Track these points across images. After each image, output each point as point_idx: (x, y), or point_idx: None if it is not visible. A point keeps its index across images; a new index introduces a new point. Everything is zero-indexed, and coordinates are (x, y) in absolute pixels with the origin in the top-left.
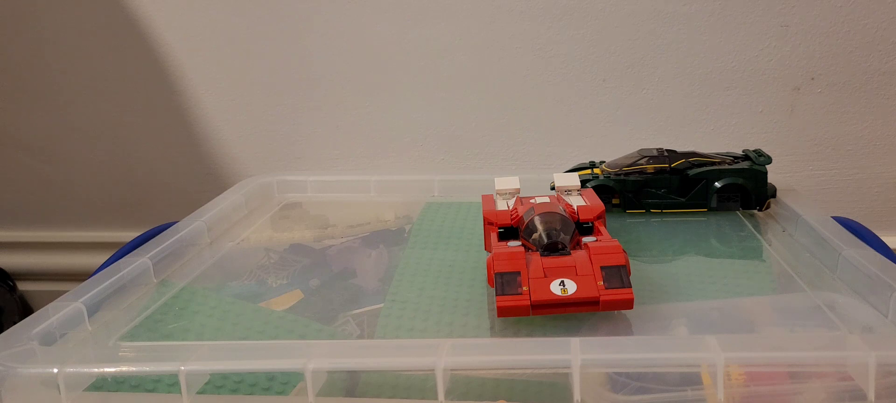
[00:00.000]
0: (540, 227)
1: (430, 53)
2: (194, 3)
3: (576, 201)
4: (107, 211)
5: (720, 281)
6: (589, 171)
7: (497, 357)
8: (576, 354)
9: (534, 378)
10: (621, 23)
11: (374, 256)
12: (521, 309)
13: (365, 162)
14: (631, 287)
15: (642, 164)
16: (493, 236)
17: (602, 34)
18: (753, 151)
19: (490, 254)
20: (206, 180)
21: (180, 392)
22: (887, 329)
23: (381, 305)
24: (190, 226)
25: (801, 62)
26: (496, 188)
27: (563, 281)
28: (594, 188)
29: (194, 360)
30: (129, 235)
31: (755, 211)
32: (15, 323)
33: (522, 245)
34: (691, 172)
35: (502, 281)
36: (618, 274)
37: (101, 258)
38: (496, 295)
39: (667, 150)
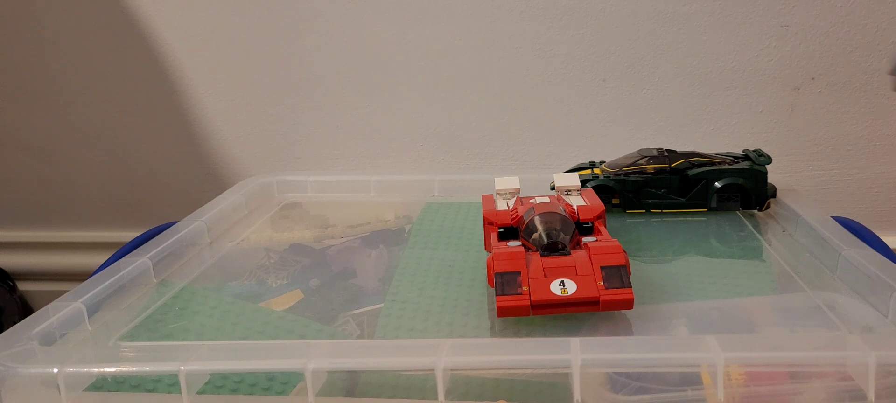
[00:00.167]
0: (540, 227)
1: (430, 53)
2: (194, 3)
3: (576, 201)
4: (107, 211)
5: (720, 281)
6: (589, 171)
7: (497, 357)
8: (576, 354)
9: (534, 378)
10: (621, 23)
11: (374, 256)
12: (521, 309)
13: (365, 162)
14: (631, 287)
15: (642, 164)
16: (493, 236)
17: (602, 34)
18: (753, 151)
19: (490, 254)
20: (206, 180)
21: (180, 392)
22: (887, 329)
23: (381, 305)
24: (190, 226)
25: (801, 62)
26: (496, 188)
27: (563, 281)
28: (594, 188)
29: (194, 360)
30: (129, 235)
31: (755, 211)
32: (15, 323)
33: (522, 245)
34: (691, 172)
35: (502, 281)
36: (618, 274)
37: (101, 258)
38: (496, 295)
39: (667, 150)
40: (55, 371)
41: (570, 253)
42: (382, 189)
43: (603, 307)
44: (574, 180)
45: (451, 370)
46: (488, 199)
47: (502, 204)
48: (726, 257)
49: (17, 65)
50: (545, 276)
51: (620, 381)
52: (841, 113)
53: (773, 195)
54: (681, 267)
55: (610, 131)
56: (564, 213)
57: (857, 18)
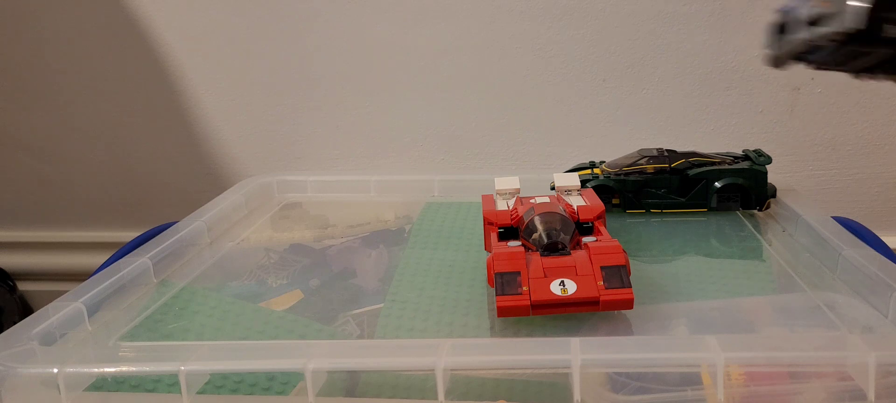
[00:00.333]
0: (540, 227)
1: (430, 53)
2: (194, 3)
3: (576, 201)
4: (107, 211)
5: (720, 281)
6: (589, 171)
7: (497, 357)
8: (576, 354)
9: (534, 378)
10: (621, 23)
11: (374, 256)
12: (521, 309)
13: (365, 162)
14: (631, 287)
15: (642, 164)
16: (493, 236)
17: (602, 34)
18: (753, 151)
19: (490, 254)
20: (206, 180)
21: (180, 392)
22: (887, 329)
23: (381, 305)
24: (190, 226)
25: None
26: (496, 188)
27: (563, 281)
28: (594, 188)
29: (194, 360)
30: (129, 235)
31: (755, 211)
32: (15, 323)
33: (522, 245)
34: (691, 172)
35: (502, 281)
36: (618, 274)
37: (101, 258)
38: (496, 295)
39: (667, 150)
40: (55, 371)
41: (570, 253)
42: (382, 189)
43: (603, 307)
44: (574, 180)
45: (451, 370)
46: (488, 199)
47: (502, 204)
48: (726, 257)
49: (17, 65)
50: (545, 276)
51: (620, 381)
52: (841, 113)
53: (773, 195)
54: (681, 267)
55: (610, 131)
56: (564, 213)
57: None
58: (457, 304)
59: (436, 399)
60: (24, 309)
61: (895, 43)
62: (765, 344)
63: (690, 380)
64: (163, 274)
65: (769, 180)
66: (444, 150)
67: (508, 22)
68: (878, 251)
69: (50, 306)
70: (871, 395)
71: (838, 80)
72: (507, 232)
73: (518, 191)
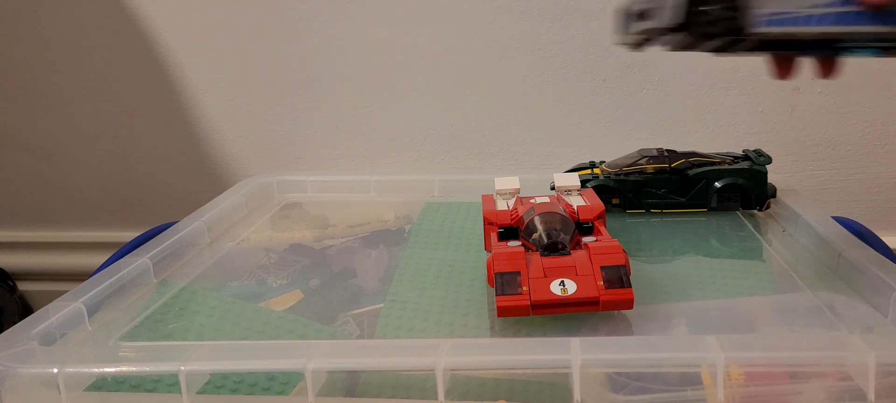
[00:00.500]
0: (540, 227)
1: (430, 53)
2: (194, 3)
3: (576, 201)
4: (107, 211)
5: (720, 281)
6: (589, 171)
7: (497, 357)
8: (576, 354)
9: (534, 378)
10: None
11: (374, 256)
12: (521, 309)
13: (365, 162)
14: (631, 287)
15: (642, 164)
16: (493, 236)
17: (602, 34)
18: (753, 151)
19: (490, 254)
20: (206, 180)
21: (180, 392)
22: (887, 329)
23: (381, 305)
24: (190, 226)
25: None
26: (496, 188)
27: (563, 281)
28: (594, 188)
29: (194, 360)
30: (129, 235)
31: (755, 211)
32: (15, 323)
33: (522, 245)
34: (691, 172)
35: (502, 281)
36: (618, 274)
37: (101, 258)
38: (496, 295)
39: (667, 150)
40: (55, 371)
41: (570, 253)
42: (382, 189)
43: (603, 307)
44: (574, 180)
45: (451, 370)
46: (488, 199)
47: (502, 204)
48: (726, 257)
49: (17, 65)
50: (545, 276)
51: (620, 381)
52: (841, 113)
53: (773, 195)
54: (681, 267)
55: (610, 131)
56: (564, 213)
57: None
58: (457, 304)
59: (436, 399)
60: (24, 309)
61: (716, 35)
62: (765, 344)
63: (690, 380)
64: (163, 274)
65: (769, 180)
66: (444, 150)
67: (508, 22)
68: (878, 251)
69: (50, 306)
70: (871, 395)
71: (838, 80)
72: (507, 232)
73: (518, 191)
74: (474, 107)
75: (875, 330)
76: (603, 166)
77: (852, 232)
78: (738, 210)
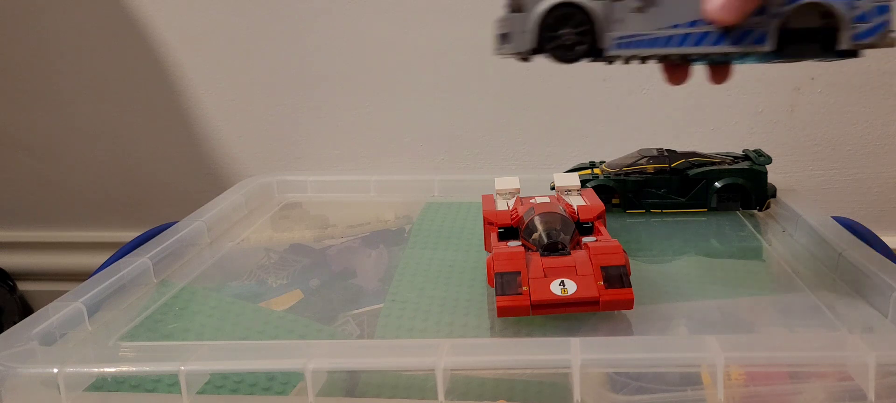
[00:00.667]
0: (540, 227)
1: (430, 53)
2: (194, 3)
3: (576, 201)
4: (107, 211)
5: (720, 281)
6: (589, 171)
7: (497, 357)
8: (576, 354)
9: (534, 378)
10: None
11: (374, 256)
12: (521, 309)
13: (365, 162)
14: (631, 287)
15: (642, 164)
16: (493, 236)
17: None
18: (753, 151)
19: (490, 254)
20: (206, 180)
21: (180, 392)
22: (887, 329)
23: (381, 305)
24: (190, 226)
25: (801, 62)
26: (496, 188)
27: (563, 281)
28: (594, 188)
29: (194, 360)
30: (129, 235)
31: (755, 211)
32: (15, 323)
33: (522, 245)
34: (691, 172)
35: (502, 281)
36: (618, 275)
37: (101, 258)
38: (496, 295)
39: (667, 150)
40: (55, 371)
41: (570, 253)
42: (382, 189)
43: (603, 307)
44: (574, 180)
45: (451, 370)
46: (488, 199)
47: (502, 204)
48: (726, 257)
49: (17, 65)
50: (545, 276)
51: (620, 381)
52: (841, 113)
53: (773, 195)
54: (681, 267)
55: (610, 131)
56: (564, 213)
57: None
58: (457, 304)
59: (436, 399)
60: (24, 309)
61: (571, 58)
62: (765, 344)
63: (690, 380)
64: (163, 274)
65: (769, 180)
66: (444, 150)
67: None
68: (878, 251)
69: (50, 306)
70: (871, 395)
71: (838, 81)
72: (507, 232)
73: (518, 190)
74: (474, 107)
75: (875, 329)
76: (603, 166)
77: (852, 232)
78: (738, 210)
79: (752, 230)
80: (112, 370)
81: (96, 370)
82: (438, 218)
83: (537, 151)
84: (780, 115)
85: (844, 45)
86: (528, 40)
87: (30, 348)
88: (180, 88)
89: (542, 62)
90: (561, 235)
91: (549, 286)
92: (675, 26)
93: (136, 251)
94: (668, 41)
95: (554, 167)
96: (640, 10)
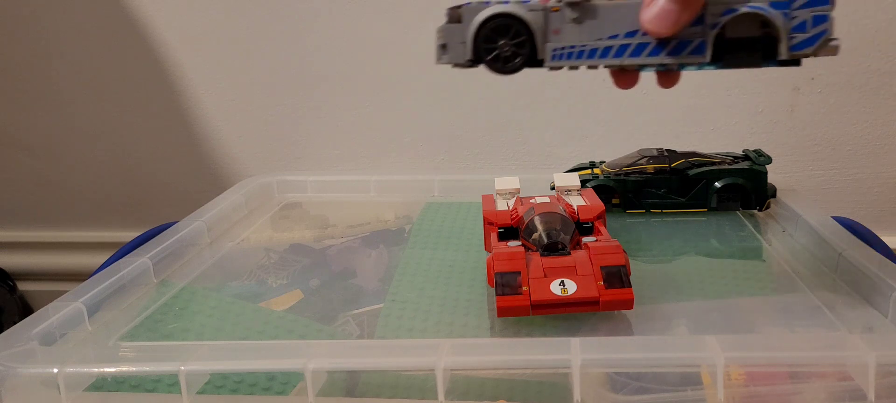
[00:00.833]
0: (540, 227)
1: (431, 53)
2: (194, 3)
3: (576, 201)
4: (107, 211)
5: (720, 281)
6: (589, 171)
7: (497, 357)
8: (576, 354)
9: (534, 378)
10: None
11: (374, 256)
12: (521, 309)
13: (365, 162)
14: (631, 287)
15: (642, 164)
16: (493, 236)
17: None
18: (753, 151)
19: (490, 254)
20: (206, 180)
21: (180, 392)
22: (887, 329)
23: (381, 305)
24: (190, 226)
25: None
26: (496, 188)
27: (563, 281)
28: (594, 188)
29: (194, 360)
30: (129, 235)
31: (755, 211)
32: (15, 323)
33: (522, 245)
34: (691, 172)
35: (502, 281)
36: (618, 275)
37: (101, 258)
38: (496, 295)
39: (667, 150)
40: (55, 371)
41: (570, 253)
42: (382, 189)
43: (603, 307)
44: (574, 180)
45: (451, 370)
46: (488, 199)
47: (502, 205)
48: (726, 257)
49: (17, 65)
50: (545, 276)
51: (620, 381)
52: (841, 113)
53: (773, 195)
54: (681, 267)
55: (610, 131)
56: (564, 213)
57: (856, 18)
58: (457, 304)
59: (436, 399)
60: (24, 309)
61: (509, 70)
62: (765, 344)
63: (690, 380)
64: (163, 274)
65: (769, 180)
66: (444, 150)
67: None
68: (878, 251)
69: (50, 306)
70: (871, 395)
71: (838, 81)
72: (507, 232)
73: (518, 190)
74: (474, 107)
75: (875, 329)
76: (603, 166)
77: (852, 232)
78: (738, 210)
79: (752, 230)
80: (112, 370)
81: (96, 370)
82: (438, 218)
83: (537, 151)
84: (780, 115)
85: (783, 55)
86: (465, 52)
87: (30, 348)
88: (180, 88)
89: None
90: (561, 235)
91: (549, 286)
92: (613, 37)
93: (136, 251)
94: (606, 52)
95: (554, 167)
96: (577, 21)
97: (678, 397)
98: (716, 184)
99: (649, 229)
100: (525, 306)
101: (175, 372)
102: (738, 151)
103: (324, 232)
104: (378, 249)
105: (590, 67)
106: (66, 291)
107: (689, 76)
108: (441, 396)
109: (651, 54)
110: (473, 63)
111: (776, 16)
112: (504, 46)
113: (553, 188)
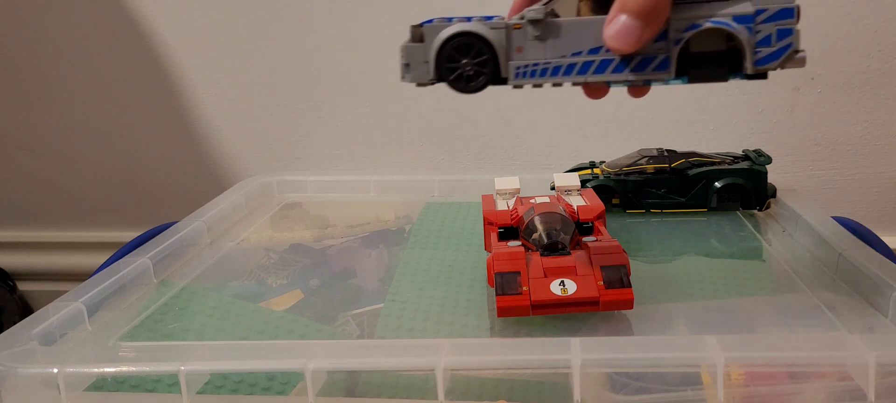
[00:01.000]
0: (540, 227)
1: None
2: (194, 3)
3: (576, 201)
4: (107, 211)
5: (720, 281)
6: (589, 171)
7: (497, 357)
8: (576, 354)
9: (534, 378)
10: None
11: (374, 256)
12: (521, 309)
13: (365, 162)
14: (631, 287)
15: (642, 164)
16: (493, 236)
17: None
18: (753, 151)
19: (490, 254)
20: (206, 180)
21: (180, 392)
22: (887, 329)
23: (381, 305)
24: (190, 226)
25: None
26: (496, 188)
27: (563, 281)
28: (594, 188)
29: (194, 360)
30: (129, 235)
31: (755, 211)
32: (15, 323)
33: (522, 245)
34: (691, 172)
35: (502, 281)
36: (618, 274)
37: (101, 258)
38: (496, 295)
39: (667, 150)
40: (55, 371)
41: (570, 253)
42: (382, 189)
43: (603, 307)
44: (574, 180)
45: (451, 370)
46: (488, 199)
47: (502, 204)
48: (726, 257)
49: (17, 65)
50: (545, 276)
51: (620, 381)
52: (841, 113)
53: (773, 195)
54: (681, 267)
55: (610, 131)
56: (564, 213)
57: (856, 18)
58: (457, 304)
59: (436, 399)
60: (24, 309)
61: (473, 89)
62: (765, 344)
63: (690, 380)
64: (163, 274)
65: (769, 180)
66: (444, 150)
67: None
68: (878, 251)
69: (50, 306)
70: (871, 395)
71: (838, 81)
72: (507, 232)
73: (518, 190)
74: (474, 107)
75: (875, 329)
76: (603, 166)
77: (852, 232)
78: (738, 210)
79: (752, 230)
80: (112, 370)
81: (96, 370)
82: (438, 218)
83: (537, 151)
84: (780, 115)
85: (749, 69)
86: (427, 71)
87: (30, 348)
88: (180, 88)
89: None
90: (561, 235)
91: (549, 286)
92: (577, 54)
93: (136, 251)
94: (570, 69)
95: (554, 167)
96: (540, 38)
97: (678, 397)
98: (716, 184)
99: (649, 229)
100: (525, 306)
101: (175, 372)
102: (738, 151)
103: (324, 232)
104: (378, 249)
105: (554, 85)
106: (66, 291)
107: None
108: (441, 396)
109: (615, 71)
110: (435, 82)
111: (740, 30)
112: (466, 65)
113: (553, 188)
